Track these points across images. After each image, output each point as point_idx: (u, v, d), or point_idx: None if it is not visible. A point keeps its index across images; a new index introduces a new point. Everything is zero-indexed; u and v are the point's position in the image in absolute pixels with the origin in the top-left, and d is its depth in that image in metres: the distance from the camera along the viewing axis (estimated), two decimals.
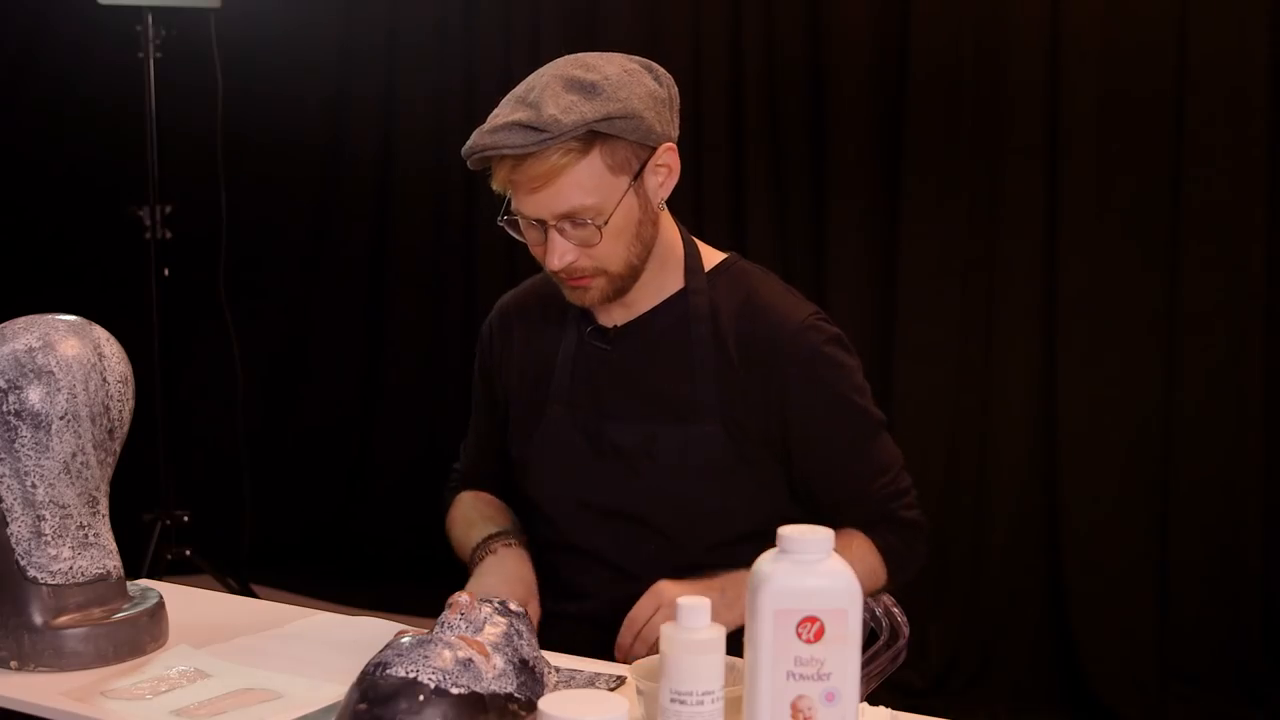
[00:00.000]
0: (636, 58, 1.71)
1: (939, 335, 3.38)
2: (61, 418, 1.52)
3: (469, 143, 1.63)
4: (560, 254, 1.65)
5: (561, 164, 1.60)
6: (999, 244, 3.32)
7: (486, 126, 1.61)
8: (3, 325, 1.57)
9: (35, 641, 1.53)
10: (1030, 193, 3.28)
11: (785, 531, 1.18)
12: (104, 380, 1.56)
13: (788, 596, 1.16)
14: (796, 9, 3.47)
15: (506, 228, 1.69)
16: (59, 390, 1.52)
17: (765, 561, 1.19)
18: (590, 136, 1.60)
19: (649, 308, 1.79)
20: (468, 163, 1.65)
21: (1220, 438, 3.18)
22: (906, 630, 1.48)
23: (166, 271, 3.86)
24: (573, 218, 1.63)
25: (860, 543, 1.79)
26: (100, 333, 1.60)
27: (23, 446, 1.52)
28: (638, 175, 1.66)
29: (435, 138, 4.12)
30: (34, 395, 1.51)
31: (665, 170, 1.70)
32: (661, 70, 1.71)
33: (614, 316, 1.80)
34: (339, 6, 4.21)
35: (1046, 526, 3.32)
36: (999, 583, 3.35)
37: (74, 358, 1.53)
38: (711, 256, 1.83)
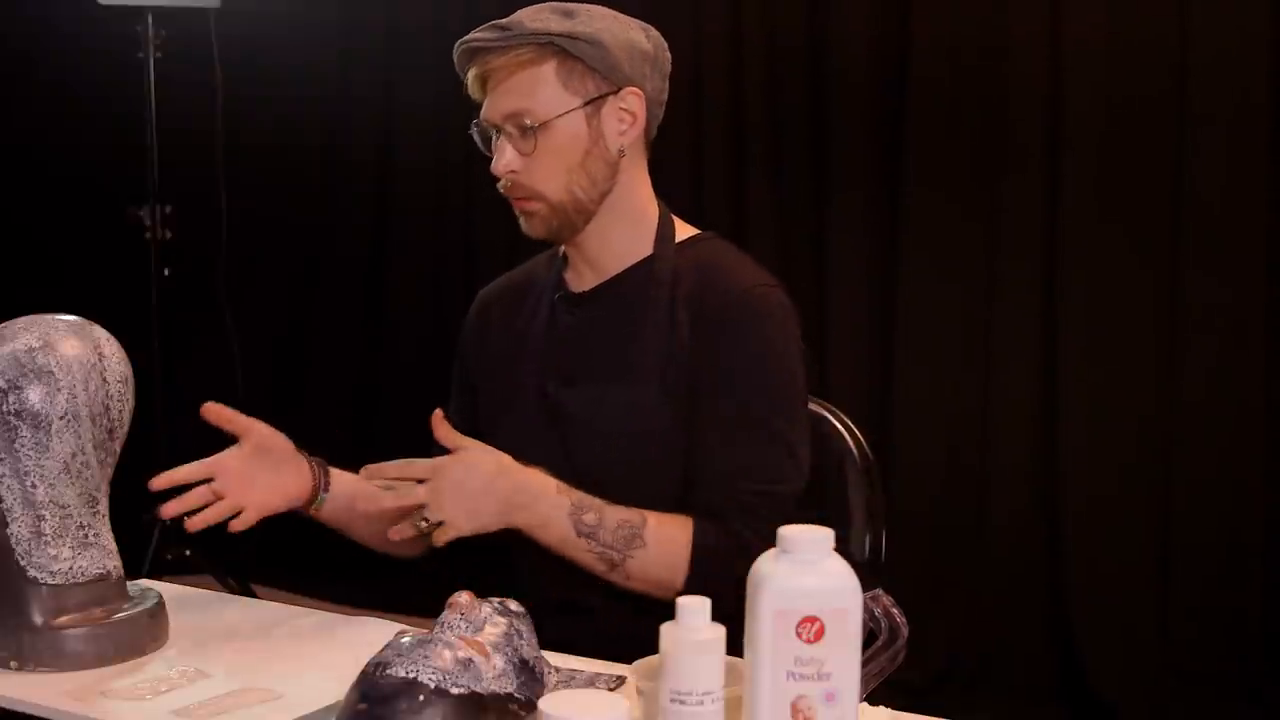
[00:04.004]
0: (637, 20, 1.77)
1: (939, 335, 3.38)
2: (61, 418, 1.52)
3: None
4: (506, 158, 1.72)
5: (516, 62, 1.68)
6: (999, 244, 3.33)
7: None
8: (3, 325, 1.56)
9: (35, 641, 1.53)
10: (1031, 193, 3.29)
11: (785, 531, 1.18)
12: (104, 380, 1.56)
13: (788, 596, 1.16)
14: (797, 10, 3.47)
15: (475, 137, 1.77)
16: (59, 390, 1.52)
17: (765, 561, 1.19)
18: (551, 48, 1.68)
19: (617, 271, 1.80)
20: (458, 71, 1.75)
21: (1221, 437, 3.18)
22: (906, 630, 1.48)
23: (166, 271, 3.86)
24: (516, 120, 1.70)
25: (679, 530, 1.66)
26: (100, 333, 1.59)
27: (23, 446, 1.52)
28: (592, 103, 1.71)
29: (435, 138, 4.12)
30: (34, 395, 1.51)
31: (629, 117, 1.73)
32: (656, 33, 1.78)
33: (584, 280, 1.82)
34: (339, 6, 4.22)
35: (1046, 526, 3.32)
36: (999, 582, 3.36)
37: (74, 358, 1.53)
38: (686, 231, 1.84)
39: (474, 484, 1.64)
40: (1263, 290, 3.13)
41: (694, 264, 1.77)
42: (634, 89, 1.73)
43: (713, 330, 1.72)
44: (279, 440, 1.82)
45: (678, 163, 3.52)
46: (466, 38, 1.72)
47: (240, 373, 4.04)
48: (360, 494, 1.85)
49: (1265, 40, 3.08)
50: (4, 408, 1.51)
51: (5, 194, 4.52)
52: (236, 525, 1.74)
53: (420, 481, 1.66)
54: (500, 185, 1.75)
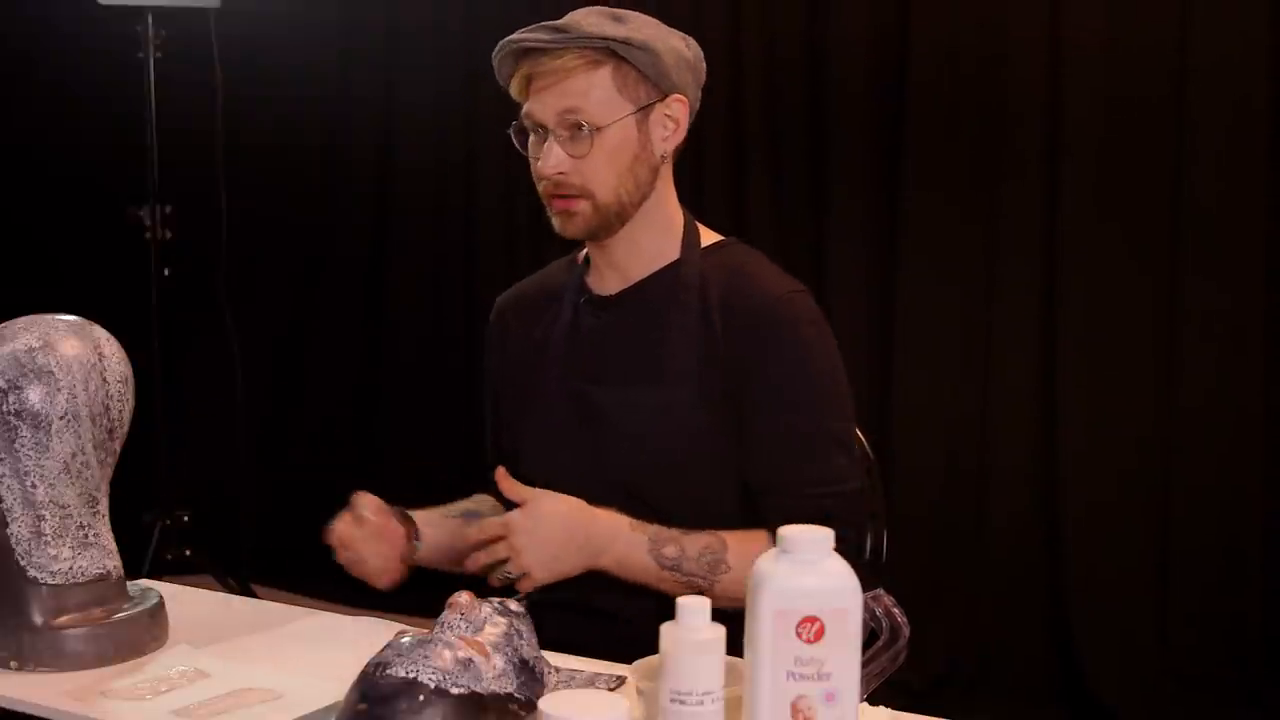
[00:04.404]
0: (676, 30, 1.79)
1: (938, 339, 3.38)
2: (61, 418, 1.52)
3: (496, 49, 1.72)
4: (555, 159, 1.72)
5: (573, 65, 1.69)
6: (999, 249, 3.32)
7: (510, 36, 1.71)
8: (3, 325, 1.56)
9: (35, 641, 1.53)
10: (1030, 198, 3.29)
11: (785, 531, 1.18)
12: (104, 380, 1.56)
13: (788, 596, 1.16)
14: (796, 18, 3.47)
15: (513, 136, 1.76)
16: (59, 390, 1.52)
17: (765, 561, 1.19)
18: (607, 52, 1.69)
19: (643, 275, 1.81)
20: (496, 71, 1.75)
21: (1220, 441, 3.18)
22: (906, 630, 1.47)
23: (166, 271, 3.86)
24: (571, 121, 1.70)
25: (759, 545, 1.66)
26: (100, 333, 1.59)
27: (23, 446, 1.52)
28: (643, 109, 1.73)
29: (435, 138, 4.12)
30: (34, 395, 1.51)
31: (673, 124, 1.76)
32: (695, 43, 1.80)
33: (609, 284, 1.83)
34: (339, 6, 4.21)
35: (1046, 526, 3.32)
36: (999, 583, 3.35)
37: (74, 358, 1.53)
38: (710, 237, 1.87)
39: (548, 533, 1.65)
40: (1261, 295, 3.13)
41: (722, 269, 1.80)
42: (679, 96, 1.76)
43: (749, 339, 1.74)
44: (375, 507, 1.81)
45: (678, 169, 3.50)
46: (516, 38, 1.71)
47: (240, 373, 4.04)
48: (455, 533, 1.85)
49: (1264, 45, 3.08)
50: (4, 408, 1.51)
51: (5, 194, 4.52)
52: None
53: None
54: (542, 185, 1.75)
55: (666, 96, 1.74)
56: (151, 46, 3.76)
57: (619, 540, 1.68)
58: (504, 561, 1.65)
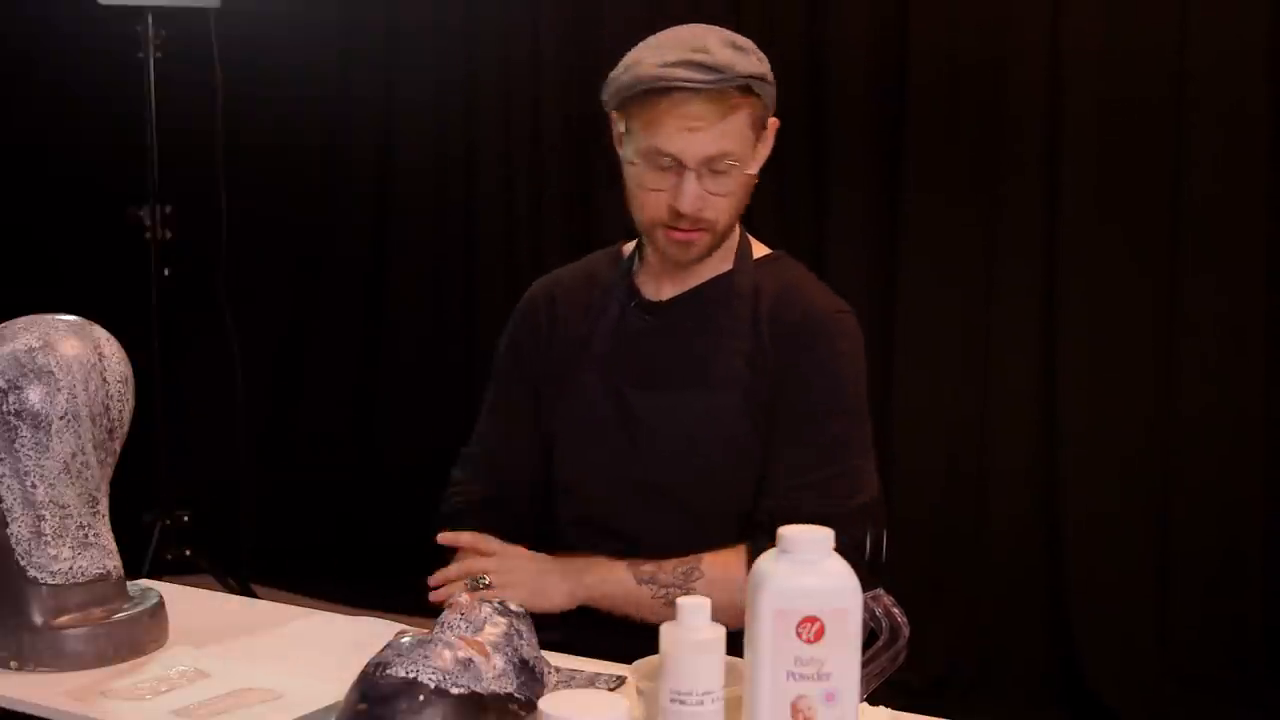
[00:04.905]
0: None
1: (938, 341, 3.38)
2: (61, 418, 1.52)
3: (630, 76, 1.68)
4: (694, 197, 1.70)
5: (728, 107, 1.67)
6: (998, 250, 3.33)
7: (652, 61, 1.66)
8: (3, 325, 1.56)
9: (35, 641, 1.53)
10: (1030, 199, 3.29)
11: (785, 531, 1.18)
12: (104, 380, 1.56)
13: (788, 596, 1.16)
14: (796, 20, 3.47)
15: (635, 163, 1.72)
16: (59, 390, 1.52)
17: (765, 561, 1.19)
18: (746, 89, 1.69)
19: (698, 283, 1.83)
20: (613, 100, 1.71)
21: (1220, 439, 3.18)
22: (906, 630, 1.48)
23: (166, 271, 3.86)
24: (718, 163, 1.69)
25: (734, 555, 1.71)
26: (100, 333, 1.59)
27: (23, 446, 1.52)
28: (761, 138, 1.75)
29: (435, 138, 4.12)
30: (34, 395, 1.51)
31: (766, 146, 1.78)
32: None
33: (662, 290, 1.85)
34: (339, 6, 4.21)
35: (1046, 527, 3.32)
36: (999, 587, 3.35)
37: (74, 358, 1.53)
38: (761, 248, 1.89)
39: (528, 563, 1.73)
40: (1261, 296, 3.13)
41: (775, 281, 1.83)
42: (774, 119, 1.78)
43: (792, 348, 1.77)
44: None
45: None
46: (665, 77, 1.65)
47: (240, 373, 4.04)
48: None
49: (1263, 47, 3.08)
50: (4, 408, 1.51)
51: (5, 194, 4.51)
52: None
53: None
54: (660, 215, 1.73)
55: (768, 121, 1.76)
56: (151, 46, 3.75)
57: (597, 563, 1.73)
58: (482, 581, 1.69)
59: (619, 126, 1.77)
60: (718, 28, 1.75)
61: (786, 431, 1.76)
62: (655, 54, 1.68)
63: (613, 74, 1.74)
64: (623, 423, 1.80)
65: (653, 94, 1.67)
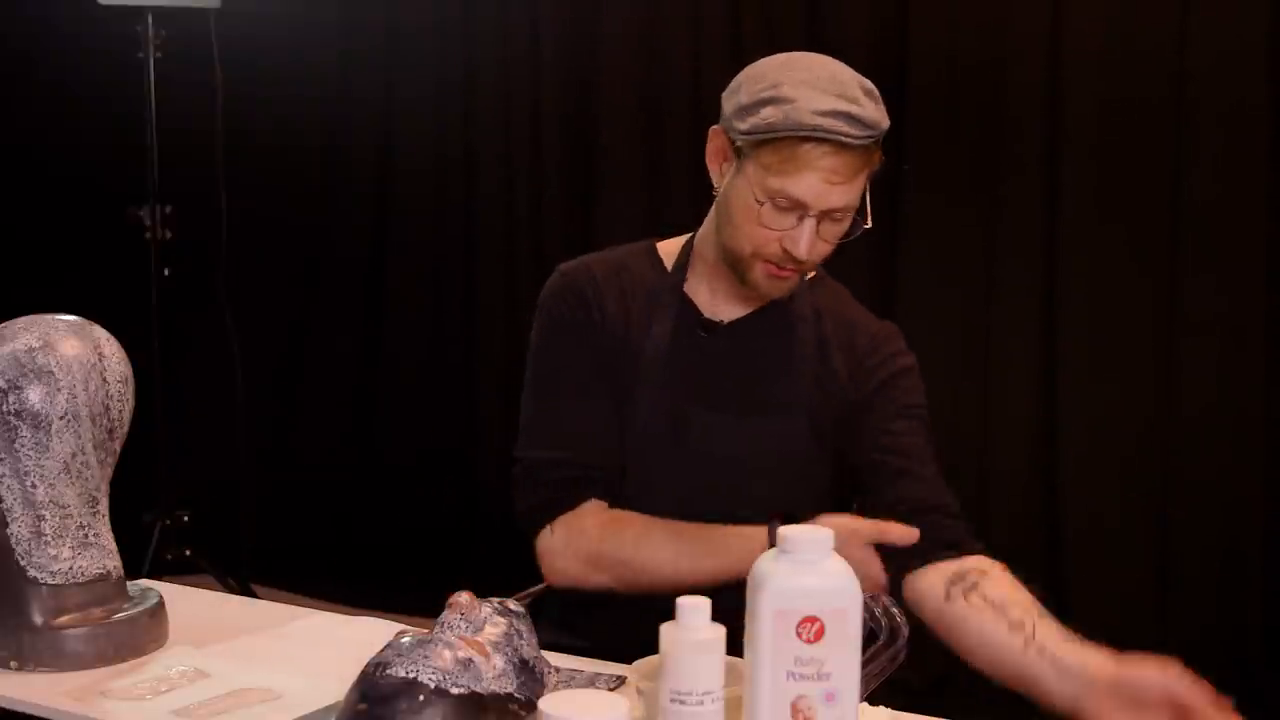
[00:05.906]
0: None
1: (938, 341, 3.38)
2: (61, 418, 1.52)
3: (781, 115, 1.61)
4: (812, 244, 1.68)
5: (865, 163, 1.66)
6: (998, 250, 3.33)
7: (806, 106, 1.60)
8: (3, 325, 1.56)
9: (35, 641, 1.53)
10: (1030, 199, 3.29)
11: (785, 531, 1.18)
12: (104, 380, 1.56)
13: (788, 596, 1.16)
14: (796, 16, 3.47)
15: (756, 199, 1.66)
16: (59, 390, 1.52)
17: (765, 561, 1.19)
18: (879, 143, 1.68)
19: (758, 307, 1.82)
20: (749, 128, 1.64)
21: (1220, 443, 3.18)
22: (906, 630, 1.48)
23: (166, 271, 3.86)
24: (839, 212, 1.68)
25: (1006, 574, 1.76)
26: (100, 333, 1.59)
27: (23, 446, 1.52)
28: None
29: (435, 138, 4.12)
30: (34, 395, 1.51)
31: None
32: None
33: (720, 310, 1.83)
34: (339, 6, 4.21)
35: (1046, 527, 3.32)
36: None
37: (74, 358, 1.53)
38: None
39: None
40: (1261, 296, 3.13)
41: (830, 301, 1.86)
42: None
43: (874, 368, 1.82)
44: None
45: (678, 173, 3.51)
46: (823, 128, 1.60)
47: (240, 373, 4.04)
48: None
49: (1263, 47, 3.08)
50: (4, 408, 1.51)
51: (5, 194, 4.51)
52: None
53: None
54: (765, 250, 1.69)
55: None
56: (151, 46, 3.75)
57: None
58: None
59: (735, 151, 1.69)
60: (846, 66, 1.68)
61: (923, 454, 1.82)
62: (806, 95, 1.61)
63: (746, 100, 1.66)
64: (679, 439, 1.78)
65: (800, 140, 1.62)
